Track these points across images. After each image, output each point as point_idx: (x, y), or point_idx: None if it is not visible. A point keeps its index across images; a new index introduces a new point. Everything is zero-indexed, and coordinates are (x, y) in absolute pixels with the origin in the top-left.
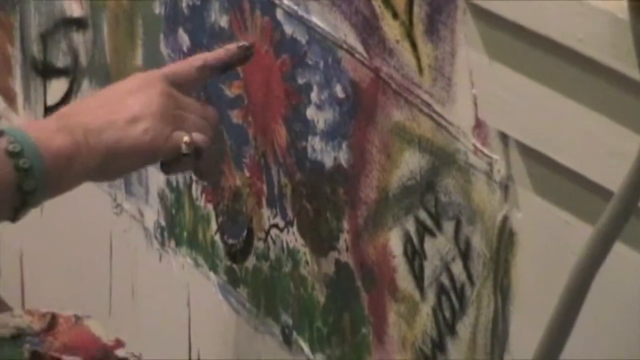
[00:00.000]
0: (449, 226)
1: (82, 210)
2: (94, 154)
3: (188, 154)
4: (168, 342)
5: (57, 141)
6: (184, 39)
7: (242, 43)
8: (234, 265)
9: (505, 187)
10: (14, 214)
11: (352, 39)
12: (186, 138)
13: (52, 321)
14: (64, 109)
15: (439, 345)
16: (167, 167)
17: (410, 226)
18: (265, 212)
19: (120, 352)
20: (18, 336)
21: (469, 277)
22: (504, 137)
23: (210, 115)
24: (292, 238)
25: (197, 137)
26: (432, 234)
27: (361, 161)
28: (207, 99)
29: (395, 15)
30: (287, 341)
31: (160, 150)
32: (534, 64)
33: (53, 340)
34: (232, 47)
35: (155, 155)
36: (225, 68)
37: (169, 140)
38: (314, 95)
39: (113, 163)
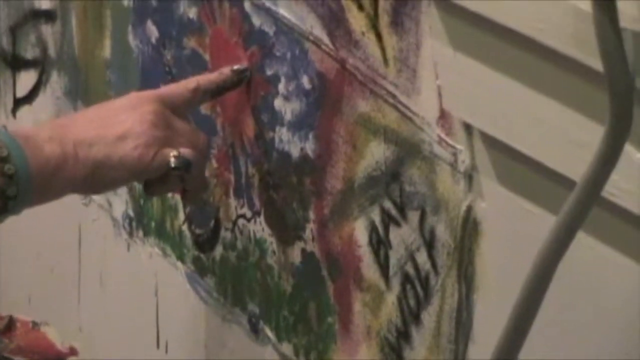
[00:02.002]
0: (413, 216)
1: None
2: (81, 167)
3: (177, 168)
4: (136, 331)
5: (46, 150)
6: (153, 31)
7: (236, 67)
8: (202, 255)
9: (470, 177)
10: None
11: (318, 31)
12: (174, 152)
13: (10, 324)
14: (57, 120)
15: (403, 334)
16: (152, 187)
17: (376, 216)
18: (233, 202)
19: None
20: None
21: (434, 266)
22: (468, 128)
23: (200, 141)
24: (259, 228)
25: (185, 151)
26: (397, 224)
27: (327, 152)
28: None
29: (360, 7)
30: (254, 330)
31: (149, 166)
32: (497, 55)
33: (8, 343)
34: (225, 70)
35: (143, 171)
36: (218, 91)
37: (157, 156)
38: (281, 86)
39: (100, 177)
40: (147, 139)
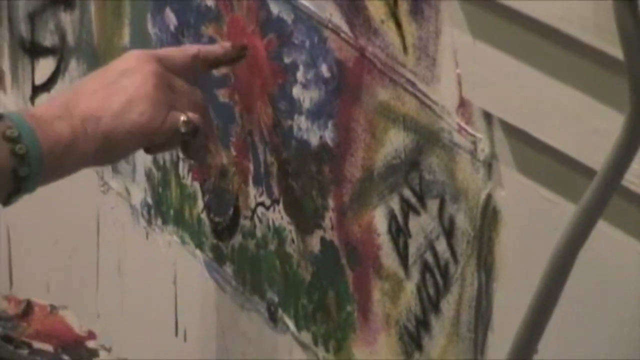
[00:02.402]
0: (433, 204)
1: (69, 188)
2: (91, 142)
3: (187, 133)
4: (154, 319)
5: (56, 129)
6: (171, 18)
7: (237, 43)
8: (220, 243)
9: (489, 166)
10: (6, 199)
11: (337, 19)
12: (183, 117)
13: (28, 308)
14: (63, 95)
15: (423, 323)
16: (153, 148)
17: (395, 204)
18: (252, 190)
19: (91, 344)
20: None
21: (453, 254)
22: (487, 116)
23: (199, 99)
24: (278, 216)
25: (193, 116)
26: (417, 212)
27: (346, 140)
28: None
29: None
30: (273, 318)
31: (158, 131)
32: (517, 43)
33: (26, 326)
34: (226, 44)
35: (153, 136)
36: (216, 62)
37: (166, 121)
38: (299, 75)
39: (111, 148)
40: (153, 103)
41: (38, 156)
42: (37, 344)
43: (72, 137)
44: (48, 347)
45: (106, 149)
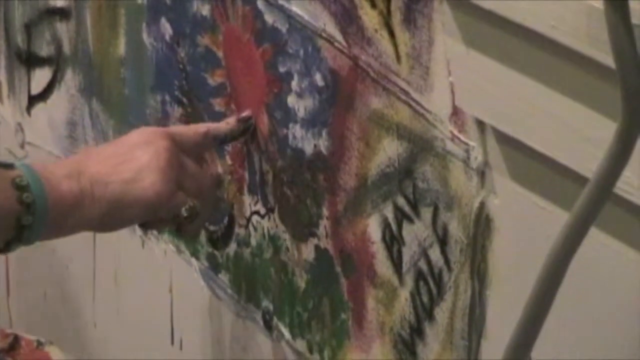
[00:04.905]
0: (426, 212)
1: None
2: (97, 205)
3: (187, 217)
4: (150, 328)
5: (64, 186)
6: (167, 28)
7: (242, 115)
8: (216, 252)
9: (482, 174)
10: (5, 245)
11: (331, 28)
12: (190, 202)
13: (14, 343)
14: (73, 157)
15: (417, 330)
16: (150, 224)
17: (389, 212)
18: (247, 199)
19: None
20: None
21: (447, 262)
22: (480, 124)
23: (206, 185)
24: (273, 224)
25: (197, 203)
26: (410, 220)
27: (340, 148)
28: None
29: (373, 4)
30: (268, 326)
31: (163, 206)
32: (510, 52)
33: None
34: (231, 120)
35: (157, 209)
36: (226, 139)
37: (172, 199)
38: (294, 84)
39: (116, 215)
40: (163, 176)
41: (43, 207)
42: None
43: (79, 197)
44: None
45: (111, 215)
